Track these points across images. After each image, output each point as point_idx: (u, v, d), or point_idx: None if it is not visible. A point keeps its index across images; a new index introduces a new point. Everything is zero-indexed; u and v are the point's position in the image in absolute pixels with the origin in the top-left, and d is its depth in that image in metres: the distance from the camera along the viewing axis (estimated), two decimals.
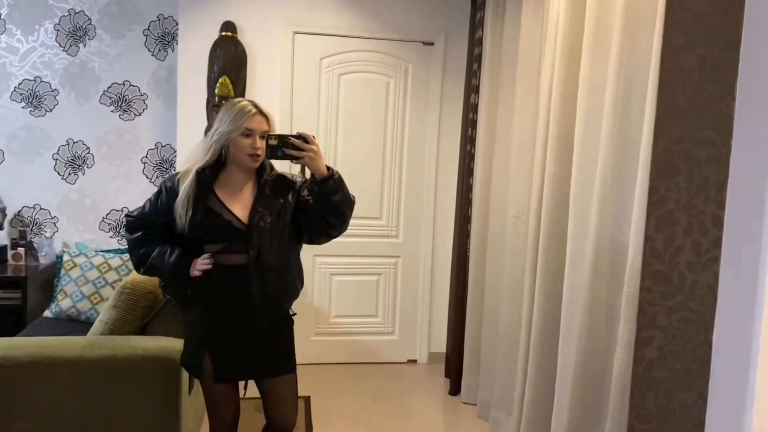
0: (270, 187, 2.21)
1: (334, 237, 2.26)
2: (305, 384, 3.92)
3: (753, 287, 1.09)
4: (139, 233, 2.23)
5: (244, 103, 2.15)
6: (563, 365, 2.54)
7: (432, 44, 4.34)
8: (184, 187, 2.13)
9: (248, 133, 2.11)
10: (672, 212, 1.11)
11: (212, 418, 2.30)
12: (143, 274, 2.30)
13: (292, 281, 2.26)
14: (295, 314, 2.31)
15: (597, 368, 2.39)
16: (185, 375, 2.63)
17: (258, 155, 2.13)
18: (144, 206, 2.25)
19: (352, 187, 2.25)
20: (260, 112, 2.15)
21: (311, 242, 2.30)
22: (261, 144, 2.13)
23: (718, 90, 1.10)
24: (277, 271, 2.18)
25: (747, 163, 1.11)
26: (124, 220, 2.22)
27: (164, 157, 4.38)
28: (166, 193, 2.18)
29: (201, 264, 2.14)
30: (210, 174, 2.17)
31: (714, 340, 1.16)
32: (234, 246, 2.15)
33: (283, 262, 2.21)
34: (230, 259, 2.15)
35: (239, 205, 2.18)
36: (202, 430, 3.24)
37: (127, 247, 2.27)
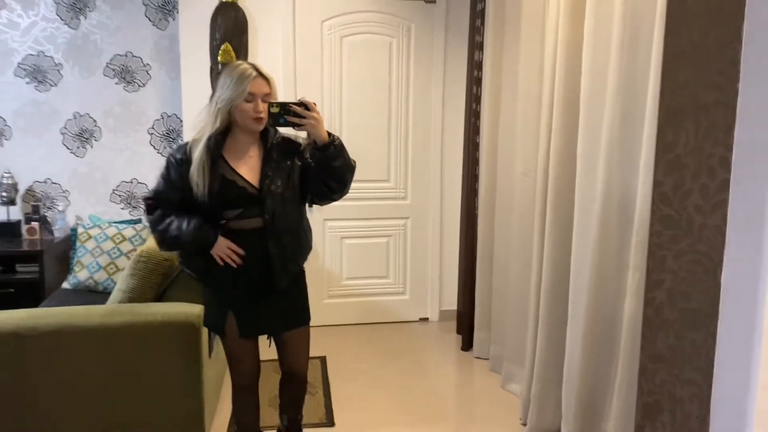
0: (276, 150, 2.25)
1: (336, 200, 2.33)
2: (320, 345, 4.02)
3: (760, 228, 1.12)
4: (158, 212, 2.25)
5: (244, 66, 2.16)
6: (574, 315, 2.59)
7: (434, 2, 4.30)
8: (197, 156, 2.16)
9: (250, 98, 2.14)
10: (680, 156, 1.14)
11: (235, 374, 2.40)
12: (166, 249, 2.36)
13: (305, 239, 2.36)
14: (301, 268, 2.40)
15: (607, 317, 2.43)
16: (205, 338, 2.70)
17: (261, 118, 2.16)
18: (157, 186, 2.27)
19: (358, 150, 2.32)
20: (260, 74, 2.16)
21: (314, 203, 2.37)
22: (264, 107, 2.16)
23: (724, 34, 1.11)
24: (291, 232, 2.27)
25: (753, 106, 1.12)
26: (143, 203, 2.25)
27: (171, 128, 4.40)
28: (178, 165, 2.20)
29: (227, 251, 2.17)
30: (217, 141, 2.19)
31: (722, 281, 1.19)
32: (249, 211, 2.21)
33: (297, 222, 2.30)
34: (246, 224, 2.21)
35: (247, 169, 2.22)
36: (223, 391, 3.33)
37: (149, 222, 2.30)
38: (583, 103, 2.52)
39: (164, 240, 2.26)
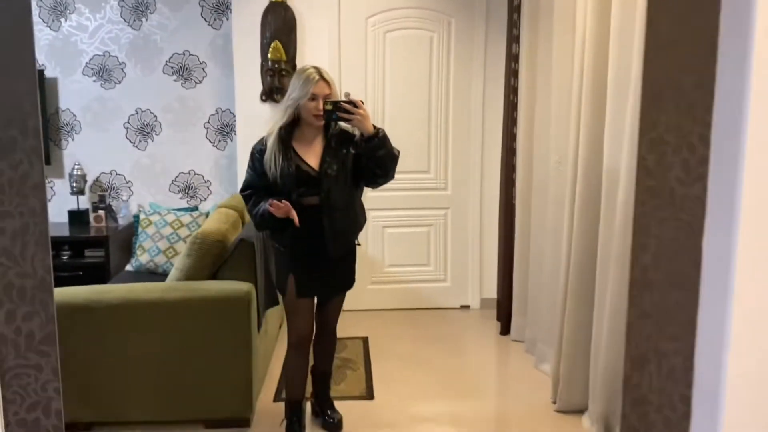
0: (335, 140, 2.64)
1: (382, 184, 2.71)
2: (363, 327, 4.22)
3: (736, 198, 1.24)
4: (251, 201, 2.66)
5: (310, 71, 2.57)
6: (600, 297, 2.71)
7: None
8: (270, 145, 2.58)
9: (313, 98, 2.53)
10: (662, 134, 1.27)
11: (292, 331, 2.72)
12: (261, 230, 2.79)
13: (356, 217, 2.73)
14: (359, 244, 2.83)
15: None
16: (254, 314, 2.93)
17: (320, 115, 2.55)
18: (246, 178, 2.70)
19: (400, 142, 2.66)
20: (323, 78, 2.56)
21: (366, 186, 2.75)
22: (323, 105, 2.55)
23: (703, 22, 1.24)
24: (343, 210, 2.64)
25: (729, 88, 1.25)
26: (240, 195, 2.79)
27: (225, 122, 4.67)
28: (260, 156, 2.62)
29: (280, 206, 2.51)
30: (287, 132, 2.60)
31: (703, 246, 1.32)
32: (310, 190, 2.59)
33: (348, 201, 2.67)
34: (307, 201, 2.59)
35: (312, 155, 2.63)
36: (271, 366, 3.57)
37: (248, 212, 2.73)
38: (609, 93, 2.62)
39: (256, 224, 2.69)
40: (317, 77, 2.55)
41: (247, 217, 3.69)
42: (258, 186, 2.64)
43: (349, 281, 2.81)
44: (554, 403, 3.13)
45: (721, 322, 1.27)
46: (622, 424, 1.39)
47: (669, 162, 1.28)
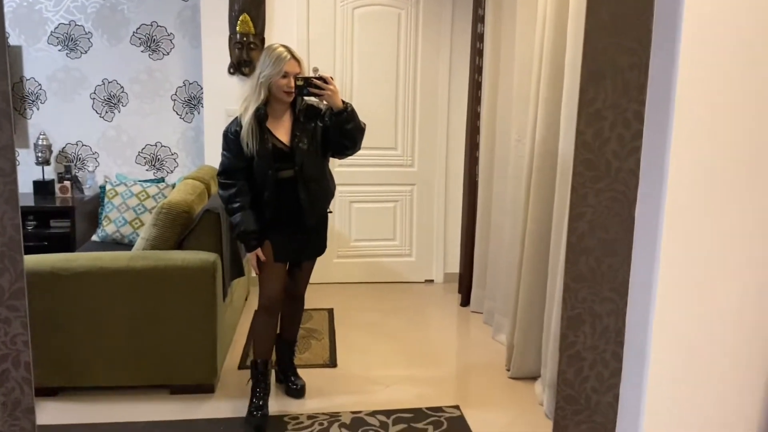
0: (303, 115, 2.75)
1: (350, 155, 2.84)
2: (329, 299, 4.32)
3: (665, 171, 1.35)
4: (232, 190, 2.73)
5: (280, 49, 2.67)
6: (553, 268, 2.83)
7: None
8: (246, 122, 2.65)
9: (285, 75, 2.64)
10: (600, 110, 1.37)
11: (264, 293, 2.81)
12: (229, 223, 2.87)
13: (328, 186, 2.87)
14: (330, 212, 2.97)
15: None
16: (220, 283, 2.99)
17: (292, 92, 2.66)
18: (223, 162, 2.75)
19: (367, 119, 2.78)
20: (293, 57, 2.67)
21: (332, 157, 2.87)
22: (293, 82, 2.65)
23: (639, 6, 1.34)
24: (317, 180, 2.78)
25: (661, 69, 1.35)
26: (218, 179, 2.81)
27: (192, 94, 4.67)
28: (235, 137, 2.68)
29: (253, 261, 2.76)
30: (264, 111, 2.68)
31: (636, 215, 1.43)
32: (285, 164, 2.71)
33: (321, 172, 2.81)
34: (283, 174, 2.71)
35: (282, 131, 2.73)
36: (236, 335, 3.64)
37: (220, 198, 2.83)
38: (566, 73, 2.72)
39: (228, 215, 2.79)
40: (289, 56, 2.64)
41: (214, 189, 3.74)
42: (236, 169, 2.71)
43: (321, 247, 2.95)
44: (508, 370, 3.27)
45: (650, 285, 1.39)
46: (559, 379, 1.50)
47: (606, 136, 1.38)
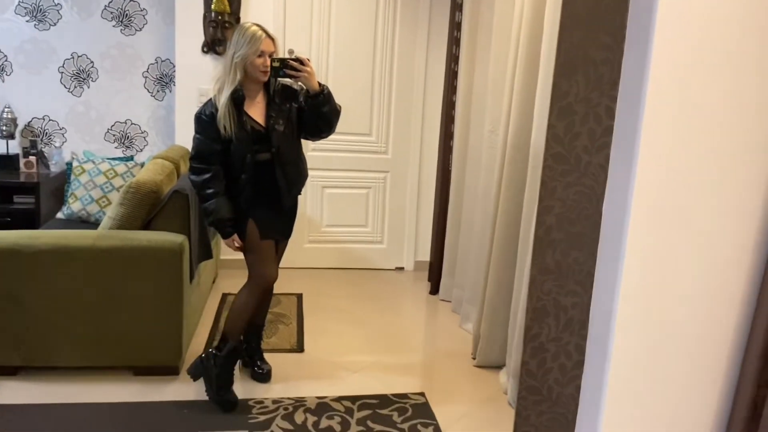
0: (278, 95, 2.71)
1: (325, 138, 2.82)
2: (298, 284, 4.30)
3: (634, 167, 1.36)
4: (206, 176, 2.65)
5: (255, 28, 2.60)
6: (521, 260, 2.86)
7: None
8: (222, 104, 2.57)
9: (261, 54, 2.58)
10: (571, 104, 1.37)
11: (261, 277, 2.78)
12: (201, 208, 2.76)
13: (304, 168, 2.87)
14: (300, 194, 2.93)
15: None
16: (187, 265, 2.96)
17: (268, 71, 2.60)
18: (197, 146, 2.66)
19: (344, 103, 2.76)
20: (268, 35, 2.61)
21: (306, 139, 2.83)
22: (269, 61, 2.59)
23: (613, 2, 1.34)
24: (293, 162, 2.77)
25: (633, 65, 1.36)
26: (189, 163, 2.72)
27: (164, 72, 4.58)
28: (210, 119, 2.60)
29: (232, 245, 2.74)
30: (241, 95, 2.60)
31: (603, 210, 1.45)
32: (262, 146, 2.67)
33: (296, 155, 2.80)
34: (261, 157, 2.67)
35: (257, 111, 2.68)
36: (204, 317, 3.61)
37: (191, 183, 2.74)
38: (541, 65, 2.73)
39: (201, 202, 2.71)
40: (264, 35, 2.59)
41: (183, 169, 3.68)
42: (211, 152, 2.63)
43: (291, 229, 2.95)
44: (474, 359, 3.30)
45: (614, 280, 1.41)
46: (522, 370, 1.52)
47: (576, 131, 1.39)
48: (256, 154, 2.66)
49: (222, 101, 2.57)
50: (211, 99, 2.64)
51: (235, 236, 2.71)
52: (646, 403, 1.47)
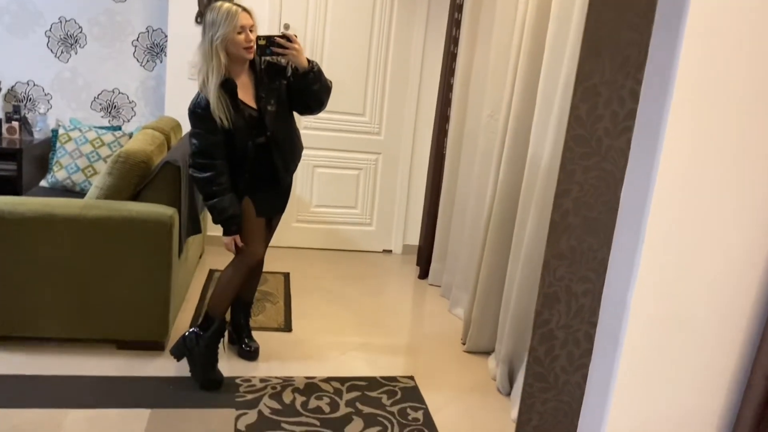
0: (266, 74, 2.60)
1: (316, 114, 2.75)
2: (286, 263, 4.24)
3: (656, 152, 1.33)
4: (210, 173, 2.53)
5: (228, 5, 2.46)
6: (516, 246, 2.83)
7: None
8: (213, 95, 2.44)
9: (241, 31, 2.45)
10: (596, 85, 1.33)
11: (251, 250, 2.70)
12: (206, 206, 2.63)
13: (298, 144, 2.80)
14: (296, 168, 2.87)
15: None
16: (176, 239, 2.89)
17: (252, 47, 2.48)
18: (198, 143, 2.52)
19: (337, 83, 2.66)
20: (243, 9, 2.48)
21: (299, 114, 2.76)
22: (253, 37, 2.48)
23: None
24: (288, 141, 2.71)
25: (662, 47, 1.31)
26: (190, 160, 2.59)
27: (155, 42, 4.46)
28: (206, 112, 2.46)
29: (231, 245, 2.66)
30: (232, 82, 2.48)
31: (621, 196, 1.41)
32: (257, 130, 2.59)
33: (290, 133, 2.72)
34: (256, 141, 2.60)
35: (247, 94, 2.57)
36: (189, 293, 3.55)
37: (194, 180, 2.63)
38: (547, 47, 2.68)
39: (206, 200, 2.59)
40: (239, 9, 2.45)
41: (174, 141, 3.60)
42: (213, 145, 2.50)
43: (286, 204, 2.89)
44: (464, 344, 3.28)
45: (630, 269, 1.37)
46: (529, 356, 1.49)
47: (599, 113, 1.35)
48: (255, 139, 2.59)
49: (212, 92, 2.44)
50: (199, 93, 2.49)
51: (237, 237, 2.64)
52: (653, 394, 1.44)
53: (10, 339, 2.82)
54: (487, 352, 3.19)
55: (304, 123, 4.35)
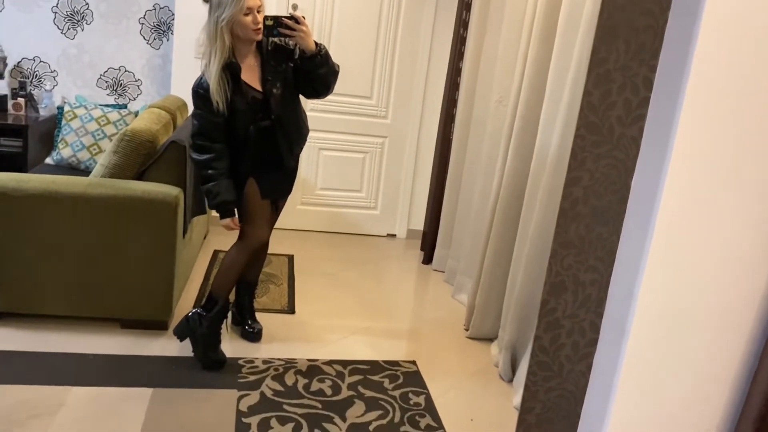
0: (272, 56, 2.55)
1: (322, 98, 2.70)
2: (290, 245, 4.24)
3: (669, 141, 1.30)
4: (209, 155, 2.53)
5: None
6: (522, 233, 2.81)
7: None
8: (214, 77, 2.41)
9: (248, 12, 2.40)
10: (609, 72, 1.30)
11: (254, 236, 2.68)
12: (202, 189, 2.63)
13: (304, 126, 2.77)
14: (301, 151, 2.84)
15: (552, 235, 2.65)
16: (180, 219, 2.88)
17: (259, 29, 2.44)
18: (199, 123, 2.52)
19: (344, 66, 2.62)
20: None
21: (305, 97, 2.71)
22: (261, 18, 2.43)
23: None
24: (293, 124, 2.66)
25: (679, 34, 1.29)
26: (191, 141, 2.59)
27: (162, 20, 4.43)
28: (209, 93, 2.43)
29: (229, 225, 2.61)
30: (236, 63, 2.45)
31: (632, 185, 1.39)
32: (261, 113, 2.56)
33: (296, 116, 2.68)
34: (260, 124, 2.57)
35: (252, 76, 2.53)
36: (193, 273, 3.55)
37: (193, 161, 2.64)
38: (558, 32, 2.65)
39: (203, 182, 2.58)
40: None
41: (180, 120, 3.58)
42: (214, 126, 2.49)
43: (291, 186, 2.86)
44: (467, 330, 3.28)
45: (638, 259, 1.36)
46: (534, 345, 1.48)
47: (612, 100, 1.32)
48: (258, 122, 2.56)
49: (213, 75, 2.41)
50: (201, 76, 2.46)
51: (232, 219, 2.60)
52: (658, 384, 1.43)
53: (14, 316, 2.83)
54: (490, 339, 3.19)
55: (310, 105, 4.32)
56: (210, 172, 2.54)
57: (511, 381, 2.84)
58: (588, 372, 1.50)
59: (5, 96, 4.30)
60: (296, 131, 2.70)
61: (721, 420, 1.43)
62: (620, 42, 1.29)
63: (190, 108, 3.28)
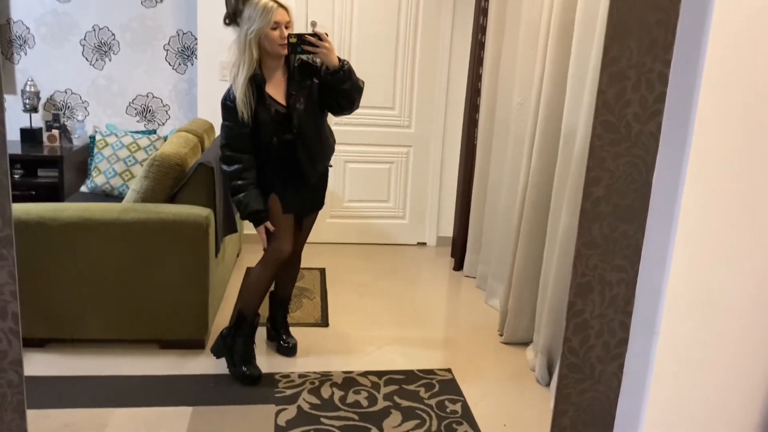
0: (298, 72, 2.62)
1: (347, 114, 2.73)
2: (321, 259, 4.27)
3: (687, 136, 1.30)
4: (237, 166, 2.61)
5: (265, 1, 2.49)
6: (551, 234, 2.79)
7: None
8: (240, 89, 2.50)
9: (275, 27, 2.48)
10: (623, 69, 1.30)
11: (275, 251, 2.71)
12: (233, 201, 2.72)
13: (328, 143, 2.79)
14: (331, 166, 2.88)
15: None
16: (212, 239, 2.93)
17: (286, 44, 2.50)
18: (227, 134, 2.61)
19: (367, 77, 2.65)
20: (280, 5, 2.51)
21: (330, 113, 2.76)
22: (287, 33, 2.50)
23: None
24: (315, 139, 2.68)
25: (690, 27, 1.28)
26: (220, 153, 2.68)
27: (185, 45, 4.53)
28: (235, 103, 2.53)
29: (263, 233, 2.68)
30: (261, 76, 2.53)
31: (653, 182, 1.38)
32: (283, 127, 2.61)
33: (319, 130, 2.71)
34: (282, 137, 2.62)
35: (278, 91, 2.60)
36: (228, 291, 3.60)
37: (223, 173, 2.72)
38: (576, 33, 2.64)
39: (232, 194, 2.65)
40: (275, 5, 2.49)
41: (207, 142, 3.65)
42: (242, 137, 2.57)
43: (321, 201, 2.88)
44: (501, 335, 3.26)
45: (664, 256, 1.34)
46: (564, 347, 1.47)
47: (628, 98, 1.32)
48: (280, 135, 2.60)
49: (240, 86, 2.49)
50: (230, 87, 2.56)
51: (268, 223, 2.65)
52: (691, 381, 1.41)
53: (56, 341, 2.91)
54: (525, 343, 3.17)
55: (334, 119, 4.35)
56: (239, 182, 2.61)
57: (548, 385, 2.81)
58: (620, 372, 1.48)
59: (40, 129, 4.45)
60: (318, 147, 2.71)
61: (758, 412, 1.40)
62: (632, 39, 1.28)
63: (217, 130, 3.35)
